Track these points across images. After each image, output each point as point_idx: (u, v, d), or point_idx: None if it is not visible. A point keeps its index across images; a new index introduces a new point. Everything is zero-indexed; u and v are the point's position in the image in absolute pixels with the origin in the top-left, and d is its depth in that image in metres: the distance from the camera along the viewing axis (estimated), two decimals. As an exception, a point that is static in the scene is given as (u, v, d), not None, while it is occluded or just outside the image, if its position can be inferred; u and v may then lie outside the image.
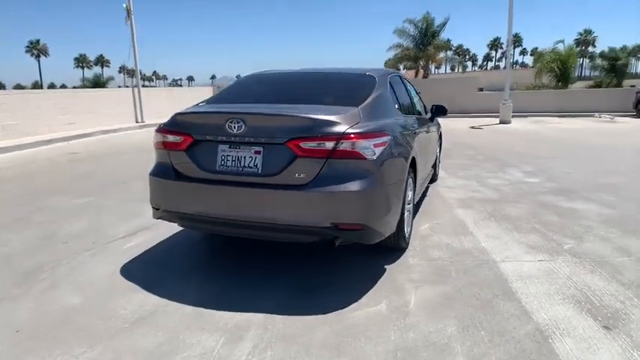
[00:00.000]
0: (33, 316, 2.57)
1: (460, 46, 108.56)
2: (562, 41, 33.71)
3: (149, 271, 3.16)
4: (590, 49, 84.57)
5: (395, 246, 3.27)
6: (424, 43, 34.83)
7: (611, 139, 10.65)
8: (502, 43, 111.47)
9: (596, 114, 18.42)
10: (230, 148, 2.79)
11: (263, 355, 2.17)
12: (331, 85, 3.58)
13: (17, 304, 2.71)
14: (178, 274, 3.13)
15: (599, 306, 2.61)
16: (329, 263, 3.28)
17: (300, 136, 2.61)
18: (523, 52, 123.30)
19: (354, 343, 2.27)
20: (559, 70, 28.24)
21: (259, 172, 2.71)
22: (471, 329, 2.37)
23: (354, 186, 2.59)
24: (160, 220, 3.19)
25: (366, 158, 2.62)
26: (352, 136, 2.59)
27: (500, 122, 16.41)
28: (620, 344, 2.22)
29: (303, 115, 2.68)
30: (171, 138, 2.97)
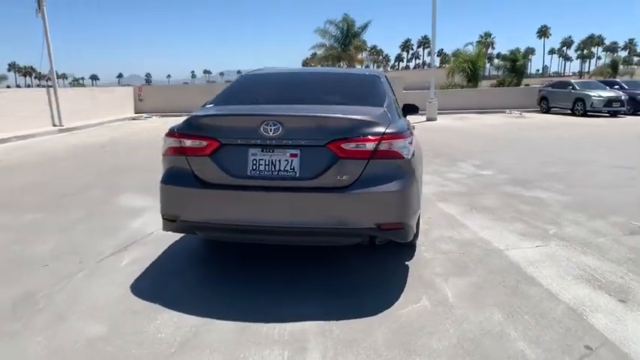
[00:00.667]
0: (49, 351, 2.23)
1: (374, 47, 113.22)
2: (471, 43, 36.79)
3: (163, 288, 2.90)
4: (490, 50, 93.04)
5: (412, 242, 3.34)
6: (345, 43, 35.88)
7: (529, 133, 11.89)
8: (413, 45, 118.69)
9: (507, 110, 20.38)
10: (263, 152, 2.65)
11: (336, 364, 2.11)
12: (344, 85, 3.56)
13: (22, 340, 2.33)
14: (195, 288, 2.91)
15: (606, 282, 2.91)
16: (345, 265, 3.26)
17: (341, 138, 2.57)
18: (430, 54, 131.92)
19: (419, 340, 2.30)
20: (470, 70, 30.68)
21: (297, 175, 2.62)
22: (515, 315, 2.52)
23: (395, 186, 2.61)
24: (168, 232, 2.95)
25: (403, 157, 2.66)
26: (392, 135, 2.61)
27: (427, 120, 17.45)
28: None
29: (344, 116, 2.64)
30: (189, 143, 2.75)
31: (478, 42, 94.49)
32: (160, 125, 16.27)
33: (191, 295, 2.81)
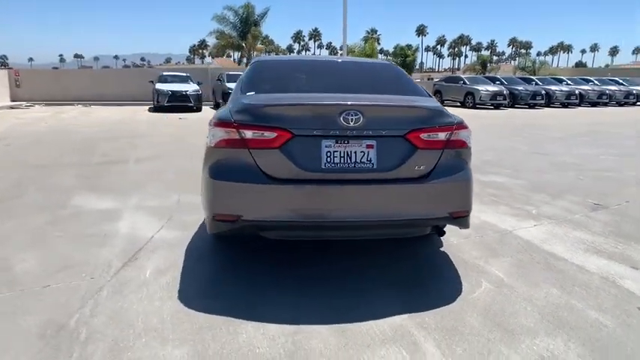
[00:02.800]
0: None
1: (266, 37, 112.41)
2: (366, 38, 38.66)
3: (216, 297, 2.58)
4: (377, 46, 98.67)
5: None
6: (245, 31, 35.00)
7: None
8: (304, 36, 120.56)
9: None
10: (337, 143, 2.50)
11: (455, 353, 2.12)
12: (377, 74, 3.50)
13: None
14: (251, 293, 2.65)
15: (610, 253, 3.37)
16: (388, 259, 3.25)
17: (420, 128, 2.55)
18: (320, 46, 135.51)
19: (509, 320, 2.41)
20: (366, 64, 32.31)
21: (374, 167, 2.53)
22: (567, 288, 2.79)
23: (465, 174, 2.68)
24: (214, 232, 2.65)
25: (468, 146, 2.74)
26: (460, 125, 2.67)
27: None
28: (655, 276, 2.97)
29: (423, 105, 2.61)
30: (253, 134, 2.47)
31: (365, 37, 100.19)
32: (53, 115, 14.28)
33: (255, 301, 2.55)
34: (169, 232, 3.60)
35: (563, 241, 3.60)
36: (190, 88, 16.75)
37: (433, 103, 2.74)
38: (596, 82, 24.96)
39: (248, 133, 2.49)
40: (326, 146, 2.50)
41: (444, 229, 2.93)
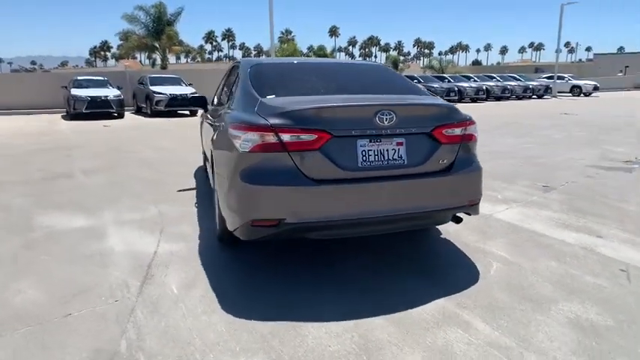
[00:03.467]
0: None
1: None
2: (287, 40, 38.80)
3: (261, 303, 2.55)
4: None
5: None
6: (158, 31, 33.30)
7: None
8: (217, 36, 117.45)
9: None
10: (371, 142, 2.62)
11: (501, 326, 2.35)
12: (379, 75, 3.63)
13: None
14: (287, 293, 2.66)
15: (578, 227, 3.88)
16: (397, 253, 3.43)
17: (443, 124, 2.75)
18: (233, 47, 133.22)
19: (531, 292, 2.71)
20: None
21: (405, 163, 2.68)
22: (560, 259, 3.19)
23: (478, 165, 2.95)
24: (256, 238, 2.59)
25: (476, 140, 3.00)
26: (471, 121, 2.92)
27: None
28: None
29: (441, 103, 2.81)
30: (291, 137, 2.49)
31: (280, 38, 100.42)
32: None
33: (296, 302, 2.57)
34: (172, 245, 3.43)
35: (537, 220, 4.07)
36: (111, 93, 15.60)
37: (444, 101, 2.97)
38: (498, 78, 27.68)
39: (287, 136, 2.50)
40: (361, 145, 2.61)
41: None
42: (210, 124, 4.38)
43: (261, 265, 3.13)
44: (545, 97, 27.95)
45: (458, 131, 2.83)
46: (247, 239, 2.74)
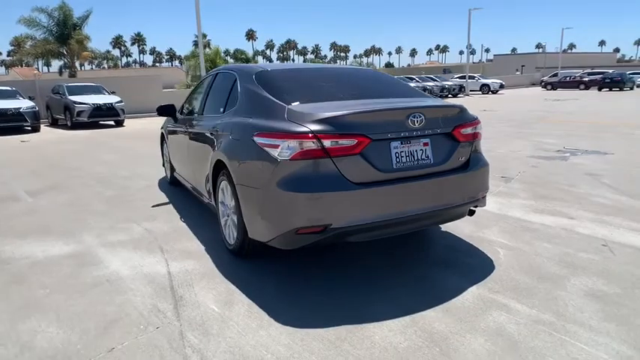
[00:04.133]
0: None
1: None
2: (208, 43, 37.72)
3: (311, 309, 2.54)
4: (206, 50, 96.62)
5: None
6: (64, 36, 30.59)
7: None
8: (126, 41, 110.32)
9: None
10: (402, 144, 2.73)
11: (535, 305, 2.59)
12: (383, 80, 3.73)
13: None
14: (329, 295, 2.68)
15: (550, 211, 4.34)
16: (399, 253, 3.59)
17: (460, 124, 2.94)
18: (143, 52, 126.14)
19: (543, 272, 3.01)
20: (210, 68, 31.87)
21: (432, 162, 2.83)
22: (551, 241, 3.57)
23: (485, 160, 3.19)
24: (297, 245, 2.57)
25: (481, 137, 3.25)
26: (478, 120, 3.15)
27: None
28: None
29: (457, 105, 2.99)
30: (332, 142, 2.53)
31: (195, 42, 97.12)
32: None
33: (344, 303, 2.60)
34: (183, 264, 3.26)
35: (514, 207, 4.48)
36: (23, 104, 14.04)
37: (460, 103, 3.19)
38: (417, 79, 29.45)
39: (329, 142, 2.53)
40: (394, 147, 2.71)
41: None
42: (193, 134, 4.19)
43: (287, 272, 3.09)
44: (459, 95, 30.29)
45: (470, 130, 3.05)
46: (289, 248, 2.71)
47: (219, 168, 3.40)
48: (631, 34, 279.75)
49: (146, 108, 18.36)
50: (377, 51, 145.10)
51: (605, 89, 30.80)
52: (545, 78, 39.02)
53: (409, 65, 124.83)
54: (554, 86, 34.97)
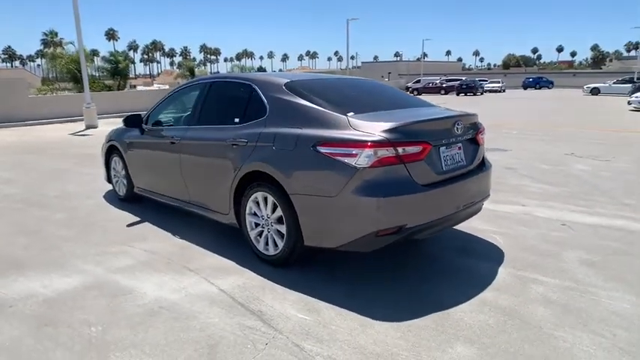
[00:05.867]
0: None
1: None
2: (73, 42, 33.51)
3: (384, 305, 2.74)
4: (60, 50, 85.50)
5: None
6: None
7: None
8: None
9: None
10: (447, 148, 3.09)
11: (564, 286, 3.20)
12: (395, 91, 4.04)
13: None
14: (383, 292, 2.93)
15: (514, 201, 5.17)
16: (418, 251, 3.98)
17: (479, 129, 3.43)
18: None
19: (564, 255, 3.67)
20: (77, 70, 28.68)
21: (465, 164, 3.25)
22: (541, 229, 4.32)
23: (489, 161, 3.74)
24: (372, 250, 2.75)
25: (482, 141, 3.80)
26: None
27: (87, 127, 15.71)
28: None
29: (476, 113, 3.44)
30: (404, 150, 2.79)
31: (45, 41, 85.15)
32: None
33: (411, 300, 2.88)
34: (226, 280, 3.15)
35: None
36: None
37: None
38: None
39: (401, 149, 2.77)
40: (442, 152, 3.06)
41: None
42: (190, 147, 3.96)
43: (340, 275, 3.23)
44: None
45: (482, 135, 3.56)
46: (366, 250, 2.87)
47: (249, 180, 3.36)
48: (471, 46, 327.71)
49: (8, 117, 15.78)
50: (249, 55, 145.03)
51: (462, 94, 35.92)
52: (410, 84, 43.69)
53: (280, 70, 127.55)
54: (419, 91, 39.40)
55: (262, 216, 3.34)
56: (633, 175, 6.54)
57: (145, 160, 4.75)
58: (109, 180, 5.62)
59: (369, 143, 2.73)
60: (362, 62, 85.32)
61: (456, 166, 3.18)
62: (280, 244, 3.23)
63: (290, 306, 2.77)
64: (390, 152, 2.75)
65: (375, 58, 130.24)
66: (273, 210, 3.24)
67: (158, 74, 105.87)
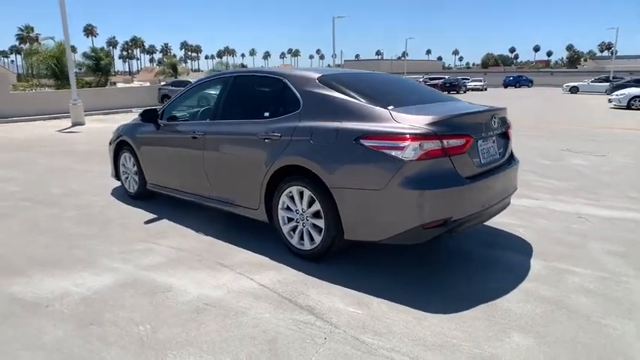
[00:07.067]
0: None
1: None
2: (52, 38, 32.54)
3: (431, 296, 2.76)
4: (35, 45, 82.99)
5: None
6: None
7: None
8: None
9: (134, 109, 20.78)
10: (483, 142, 3.12)
11: (594, 267, 3.28)
12: (422, 86, 4.02)
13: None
14: (426, 285, 2.95)
15: (528, 196, 5.25)
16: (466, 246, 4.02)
17: (509, 125, 3.48)
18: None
19: (588, 245, 3.75)
20: (56, 66, 27.91)
21: (498, 157, 3.29)
22: (567, 220, 4.40)
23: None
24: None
25: (509, 137, 3.84)
26: (509, 121, 3.74)
27: (74, 124, 15.32)
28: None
29: (505, 107, 3.49)
30: (450, 142, 2.81)
31: (20, 36, 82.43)
32: None
33: (470, 294, 2.90)
34: (265, 276, 3.11)
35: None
36: None
37: None
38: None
39: (446, 142, 2.79)
40: (480, 145, 3.09)
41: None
42: (215, 141, 3.88)
43: (378, 270, 3.22)
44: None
45: (510, 129, 3.61)
46: (411, 243, 2.87)
47: (282, 174, 3.33)
48: (450, 45, 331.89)
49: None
50: (230, 52, 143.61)
51: (445, 92, 36.32)
52: (394, 82, 43.89)
53: (262, 67, 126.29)
54: (404, 90, 39.64)
55: (297, 210, 3.31)
56: (632, 170, 6.74)
57: (161, 155, 4.65)
58: (117, 177, 5.48)
59: (417, 136, 2.74)
60: (345, 60, 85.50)
61: (492, 159, 3.21)
62: (317, 238, 3.21)
63: (338, 300, 2.76)
64: (436, 145, 2.76)
65: (357, 56, 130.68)
66: (310, 204, 3.21)
67: (137, 71, 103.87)
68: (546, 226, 4.15)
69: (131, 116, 17.94)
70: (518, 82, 46.92)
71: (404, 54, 74.35)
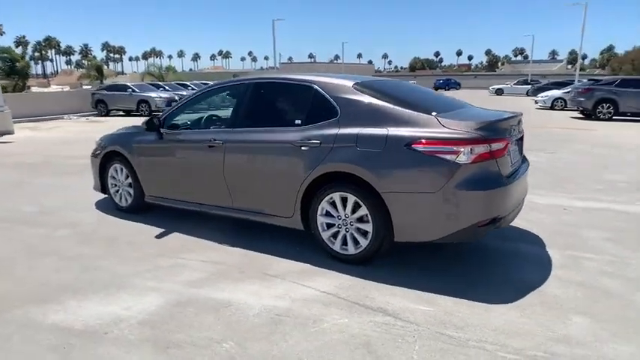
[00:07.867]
0: None
1: None
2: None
3: (471, 290, 2.96)
4: None
5: None
6: None
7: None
8: None
9: (66, 116, 19.33)
10: (512, 145, 3.38)
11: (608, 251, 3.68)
12: (435, 92, 4.19)
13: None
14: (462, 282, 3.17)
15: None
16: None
17: (523, 130, 3.78)
18: None
19: (589, 235, 4.16)
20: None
21: (519, 158, 3.59)
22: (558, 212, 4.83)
23: (526, 159, 4.13)
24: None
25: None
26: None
27: (2, 134, 13.82)
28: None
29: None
30: (495, 146, 3.04)
31: None
32: None
33: (515, 286, 3.14)
34: (320, 283, 3.14)
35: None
36: None
37: None
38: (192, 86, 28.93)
39: (493, 146, 3.01)
40: (509, 148, 3.35)
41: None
42: (240, 149, 3.81)
43: (425, 270, 3.37)
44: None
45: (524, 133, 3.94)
46: (465, 241, 3.05)
47: (320, 181, 3.37)
48: (380, 49, 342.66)
49: None
50: (157, 53, 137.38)
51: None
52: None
53: (191, 70, 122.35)
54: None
55: (338, 216, 3.37)
56: (582, 165, 7.56)
57: (165, 165, 4.44)
58: (103, 190, 5.13)
59: (469, 140, 2.93)
60: (280, 63, 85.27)
61: (515, 162, 3.50)
62: (363, 242, 3.29)
63: (405, 300, 2.87)
64: (485, 148, 2.98)
65: (290, 59, 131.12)
66: (354, 209, 3.29)
67: (52, 74, 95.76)
68: (541, 219, 4.56)
69: (63, 123, 16.64)
70: (447, 84, 49.92)
71: (336, 57, 75.69)
